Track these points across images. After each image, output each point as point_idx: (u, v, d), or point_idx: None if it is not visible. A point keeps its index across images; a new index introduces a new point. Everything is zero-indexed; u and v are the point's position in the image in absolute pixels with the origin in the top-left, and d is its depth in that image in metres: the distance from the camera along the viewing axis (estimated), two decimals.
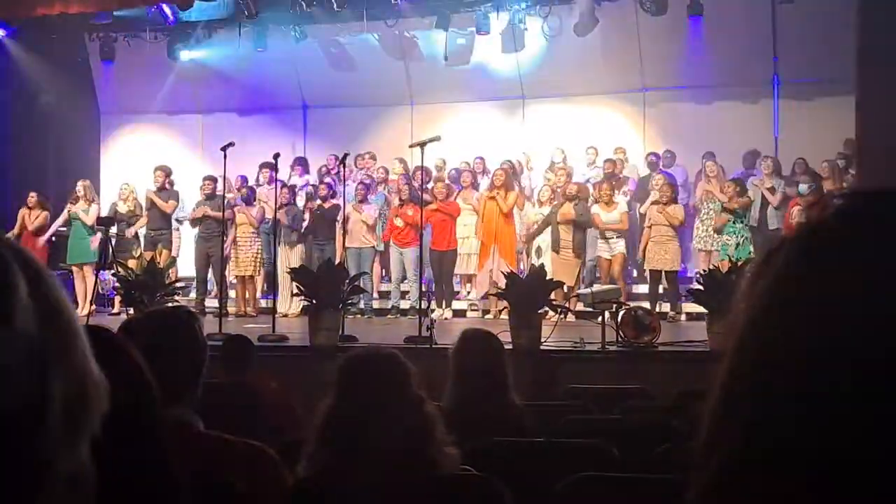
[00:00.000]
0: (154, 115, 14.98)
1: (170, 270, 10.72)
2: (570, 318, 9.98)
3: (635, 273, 11.78)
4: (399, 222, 11.11)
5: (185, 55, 14.21)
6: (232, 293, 11.75)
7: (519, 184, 11.86)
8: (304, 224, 11.69)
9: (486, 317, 10.82)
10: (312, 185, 12.45)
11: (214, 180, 11.66)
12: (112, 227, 11.22)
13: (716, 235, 10.73)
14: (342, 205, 10.85)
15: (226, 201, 10.73)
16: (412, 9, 13.21)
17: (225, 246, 11.08)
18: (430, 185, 11.40)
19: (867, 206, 0.64)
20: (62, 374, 0.73)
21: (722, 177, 11.36)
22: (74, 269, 11.63)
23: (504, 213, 10.94)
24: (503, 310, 9.42)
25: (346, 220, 10.76)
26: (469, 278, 11.68)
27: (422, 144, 8.87)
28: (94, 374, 0.77)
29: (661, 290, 10.81)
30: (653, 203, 10.96)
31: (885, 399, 0.57)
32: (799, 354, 0.60)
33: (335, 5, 12.92)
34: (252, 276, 11.56)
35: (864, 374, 0.58)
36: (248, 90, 14.36)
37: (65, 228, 12.12)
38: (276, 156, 10.12)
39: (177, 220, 12.12)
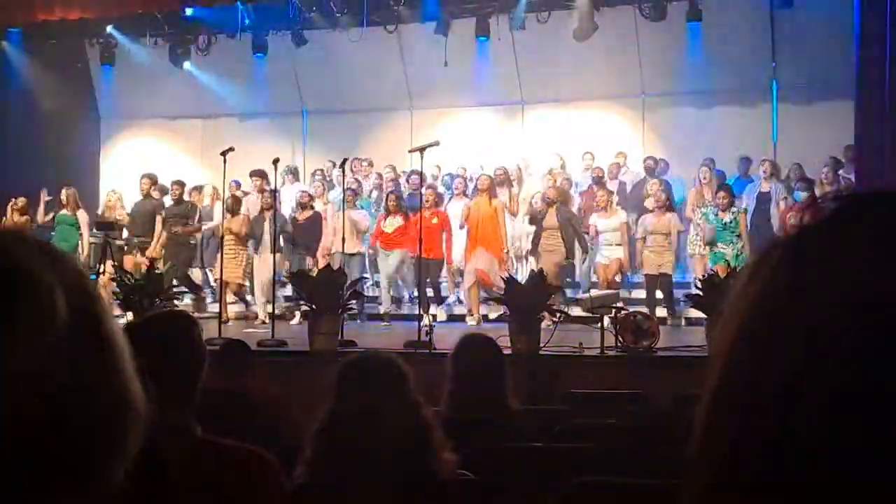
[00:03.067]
0: (154, 119, 15.01)
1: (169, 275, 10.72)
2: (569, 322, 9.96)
3: (636, 278, 11.75)
4: (388, 228, 11.07)
5: (185, 62, 14.23)
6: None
7: (510, 188, 11.76)
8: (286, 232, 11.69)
9: (470, 322, 10.74)
10: (302, 191, 12.44)
11: (182, 185, 11.70)
12: (110, 232, 11.20)
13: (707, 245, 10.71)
14: (341, 209, 10.81)
15: (210, 208, 10.70)
16: (412, 14, 13.23)
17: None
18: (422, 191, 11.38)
19: (860, 209, 0.64)
20: (95, 397, 0.70)
21: (714, 184, 11.34)
22: None
23: (489, 219, 10.85)
24: (500, 316, 9.40)
25: (343, 224, 10.69)
26: (455, 283, 11.65)
27: (421, 149, 8.88)
28: (135, 398, 0.73)
29: (658, 296, 10.80)
30: (648, 212, 10.95)
31: (880, 405, 0.57)
32: (791, 360, 0.60)
33: (335, 10, 12.94)
34: (241, 285, 11.46)
35: (857, 380, 0.58)
36: (248, 95, 14.38)
37: (53, 233, 12.08)
38: (276, 161, 10.12)
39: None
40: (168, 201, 11.93)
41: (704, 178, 11.39)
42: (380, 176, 12.74)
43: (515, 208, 11.42)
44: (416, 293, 10.43)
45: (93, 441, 0.70)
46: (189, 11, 13.24)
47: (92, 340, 0.70)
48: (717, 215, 10.50)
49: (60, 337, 0.68)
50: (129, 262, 10.91)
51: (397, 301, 11.55)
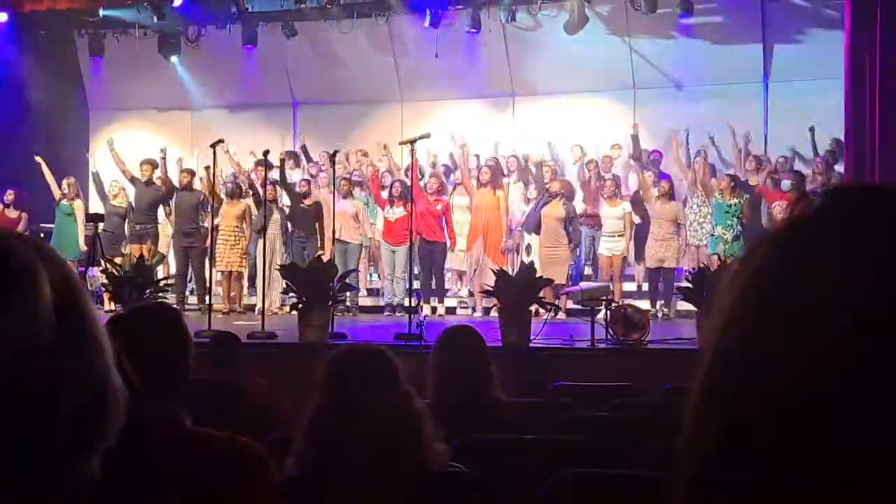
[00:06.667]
0: (143, 111, 14.94)
1: (159, 266, 10.69)
2: (561, 315, 10.00)
3: (629, 270, 11.76)
4: (392, 217, 11.06)
5: (175, 53, 14.15)
6: (217, 289, 11.71)
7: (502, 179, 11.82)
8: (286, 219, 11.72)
9: (475, 314, 10.84)
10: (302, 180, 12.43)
11: (192, 173, 11.70)
12: (101, 224, 11.15)
13: (705, 228, 10.76)
14: (332, 200, 10.79)
15: (213, 199, 10.71)
16: (402, 5, 13.19)
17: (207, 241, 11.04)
18: (423, 181, 11.38)
19: (847, 202, 0.64)
20: (76, 380, 0.72)
21: (709, 175, 11.36)
22: None
23: (493, 209, 10.98)
24: (492, 308, 9.43)
25: (333, 215, 10.68)
26: (460, 275, 11.71)
27: (412, 141, 8.87)
28: (113, 384, 0.76)
29: (659, 289, 10.83)
30: (653, 198, 10.99)
31: (863, 395, 0.57)
32: (776, 351, 0.60)
33: (325, 1, 12.89)
34: (240, 273, 11.54)
35: (840, 371, 0.58)
36: (238, 87, 14.32)
37: (50, 225, 12.03)
38: (266, 152, 10.10)
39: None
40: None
41: (699, 169, 11.41)
42: (374, 167, 12.74)
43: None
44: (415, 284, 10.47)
45: (73, 424, 0.72)
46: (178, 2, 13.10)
47: (75, 326, 0.74)
48: (721, 198, 10.53)
49: (47, 322, 0.71)
50: (136, 251, 10.91)
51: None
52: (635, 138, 12.39)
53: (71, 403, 0.71)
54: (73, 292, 0.76)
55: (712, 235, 10.52)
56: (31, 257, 0.73)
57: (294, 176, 12.62)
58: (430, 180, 11.23)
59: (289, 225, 11.60)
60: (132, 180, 11.87)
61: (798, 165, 11.81)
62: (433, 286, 11.10)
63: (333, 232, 10.37)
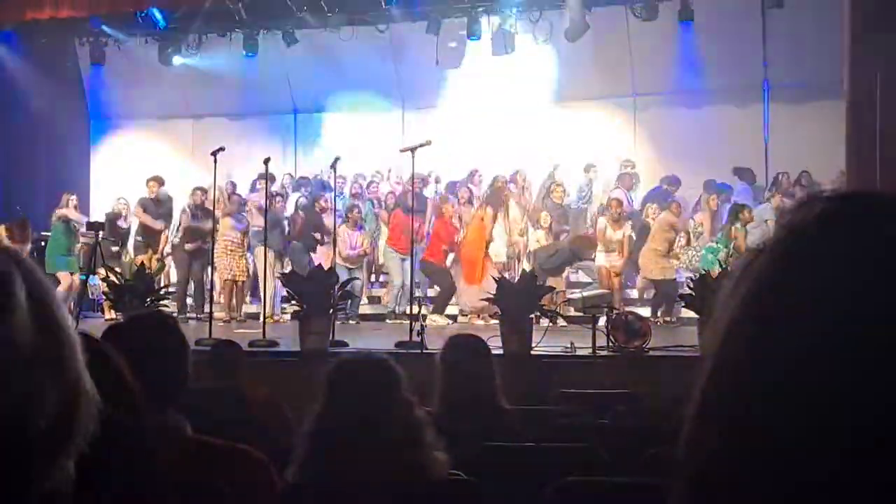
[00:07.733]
0: (144, 119, 14.96)
1: (160, 275, 10.68)
2: (561, 322, 9.99)
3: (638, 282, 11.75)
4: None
5: (176, 59, 14.17)
6: (218, 298, 11.72)
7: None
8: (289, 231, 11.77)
9: (478, 322, 10.83)
10: (305, 197, 12.52)
11: (205, 191, 11.68)
12: (101, 232, 11.14)
13: (700, 253, 10.81)
14: (333, 215, 10.78)
15: (214, 209, 10.72)
16: (403, 14, 13.21)
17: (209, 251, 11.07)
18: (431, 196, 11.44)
19: (846, 209, 0.64)
20: (53, 386, 0.73)
21: (720, 214, 11.36)
22: (59, 274, 11.50)
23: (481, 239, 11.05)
24: (493, 314, 9.42)
25: (334, 221, 10.66)
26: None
27: (412, 149, 8.86)
28: (86, 391, 0.77)
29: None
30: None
31: (861, 404, 0.57)
32: (776, 360, 0.60)
33: (326, 10, 12.91)
34: (243, 282, 11.58)
35: (840, 379, 0.58)
36: (239, 95, 14.35)
37: (48, 233, 12.00)
38: (267, 160, 10.09)
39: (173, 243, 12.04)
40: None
41: (713, 207, 11.42)
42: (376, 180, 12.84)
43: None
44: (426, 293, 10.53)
45: (48, 430, 0.72)
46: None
47: (50, 334, 0.75)
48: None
49: (23, 331, 0.72)
50: (138, 262, 10.93)
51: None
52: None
53: (47, 410, 0.72)
54: (48, 300, 0.76)
55: (706, 246, 10.58)
56: (7, 267, 0.74)
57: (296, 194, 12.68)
58: (447, 208, 11.31)
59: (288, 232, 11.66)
60: (143, 205, 11.86)
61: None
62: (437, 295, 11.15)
63: (334, 240, 10.36)
